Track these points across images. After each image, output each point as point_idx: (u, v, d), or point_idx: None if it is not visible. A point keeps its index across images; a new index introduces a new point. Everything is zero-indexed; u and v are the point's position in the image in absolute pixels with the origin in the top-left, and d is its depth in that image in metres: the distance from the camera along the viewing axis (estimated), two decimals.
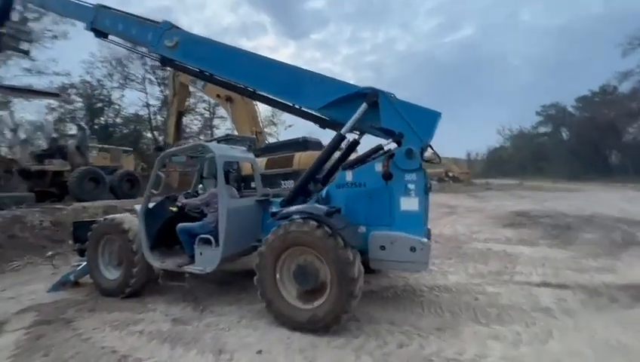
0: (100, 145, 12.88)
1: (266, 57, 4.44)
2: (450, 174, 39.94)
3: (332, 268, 3.03)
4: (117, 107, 27.64)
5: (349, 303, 2.97)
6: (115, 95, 27.72)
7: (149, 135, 30.22)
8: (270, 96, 4.49)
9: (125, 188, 11.54)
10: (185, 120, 32.65)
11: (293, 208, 3.37)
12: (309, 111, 4.28)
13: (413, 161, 3.41)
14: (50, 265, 6.10)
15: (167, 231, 4.11)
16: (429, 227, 4.24)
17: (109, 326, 3.47)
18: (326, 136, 4.32)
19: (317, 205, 3.47)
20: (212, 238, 3.64)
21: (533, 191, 21.54)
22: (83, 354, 2.90)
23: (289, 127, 46.75)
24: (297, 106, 4.31)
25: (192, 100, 33.90)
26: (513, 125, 64.39)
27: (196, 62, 4.88)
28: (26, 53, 9.88)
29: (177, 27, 5.11)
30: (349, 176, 3.74)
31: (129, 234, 4.12)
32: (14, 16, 8.82)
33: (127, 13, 5.58)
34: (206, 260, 3.67)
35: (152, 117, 29.65)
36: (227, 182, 4.02)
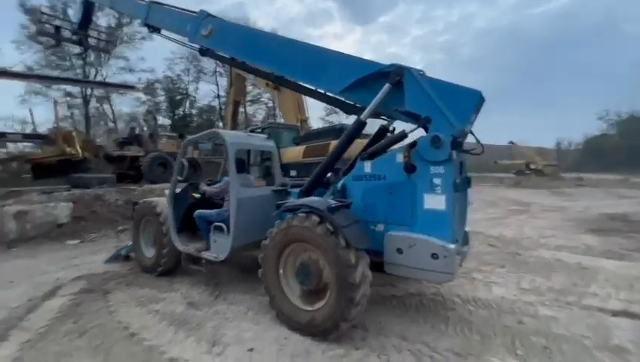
0: (169, 133, 14.36)
1: (288, 38, 4.20)
2: (533, 166, 35.07)
3: (332, 269, 2.72)
4: (193, 99, 30.49)
5: (349, 311, 2.64)
6: (191, 88, 30.58)
7: (220, 124, 32.81)
8: (298, 82, 4.26)
9: (189, 173, 12.57)
10: (250, 109, 34.76)
11: (298, 201, 3.12)
12: (333, 95, 3.94)
13: (440, 150, 2.86)
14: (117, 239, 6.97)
15: (192, 216, 4.25)
16: (467, 229, 3.61)
17: (135, 301, 3.73)
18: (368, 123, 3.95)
19: (322, 199, 3.17)
20: (225, 227, 3.62)
21: None
22: (102, 326, 3.15)
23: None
24: (321, 90, 4.01)
25: (257, 90, 35.88)
26: (621, 108, 53.01)
27: (229, 50, 4.87)
28: (108, 52, 11.29)
29: (213, 16, 5.15)
30: (367, 167, 3.33)
31: (161, 217, 4.37)
32: (108, 22, 10.01)
33: (173, 7, 5.84)
34: (219, 248, 3.68)
35: (222, 107, 32.02)
36: (243, 170, 3.95)
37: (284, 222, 3.03)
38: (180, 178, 4.21)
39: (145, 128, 14.62)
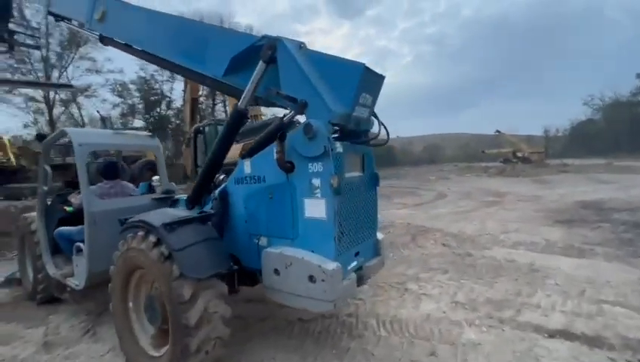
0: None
1: (171, 15, 3.52)
2: (519, 154, 34.83)
3: (167, 305, 2.07)
4: (168, 99, 29.44)
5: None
6: (166, 88, 29.50)
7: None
8: (188, 67, 3.57)
9: (147, 177, 11.89)
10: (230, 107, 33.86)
11: (140, 216, 2.44)
12: (222, 80, 3.27)
13: (315, 143, 2.24)
14: None
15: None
16: (379, 237, 2.99)
17: None
18: None
19: (169, 211, 2.51)
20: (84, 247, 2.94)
21: (623, 173, 17.19)
22: None
23: None
24: (210, 75, 3.33)
25: None
26: (606, 93, 52.90)
27: (123, 35, 4.15)
28: (37, 48, 10.42)
29: None
30: (247, 166, 2.70)
31: (36, 236, 3.67)
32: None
33: None
34: (80, 273, 3.01)
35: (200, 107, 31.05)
36: (113, 175, 3.28)
37: (124, 244, 2.36)
38: (45, 188, 3.51)
39: None
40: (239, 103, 2.73)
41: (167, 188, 3.53)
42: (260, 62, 2.51)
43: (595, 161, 29.06)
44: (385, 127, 2.83)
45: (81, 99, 23.54)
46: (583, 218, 6.98)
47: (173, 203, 3.37)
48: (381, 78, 2.56)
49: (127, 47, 4.28)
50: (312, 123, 2.21)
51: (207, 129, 9.74)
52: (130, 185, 3.59)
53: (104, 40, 4.54)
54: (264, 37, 2.59)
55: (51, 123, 21.73)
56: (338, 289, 2.19)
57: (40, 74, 21.37)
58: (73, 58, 22.99)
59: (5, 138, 10.23)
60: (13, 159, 9.57)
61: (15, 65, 19.28)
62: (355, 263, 2.58)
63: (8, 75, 18.80)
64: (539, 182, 15.80)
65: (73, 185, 11.39)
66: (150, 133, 3.76)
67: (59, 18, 5.50)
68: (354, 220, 2.53)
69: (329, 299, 2.15)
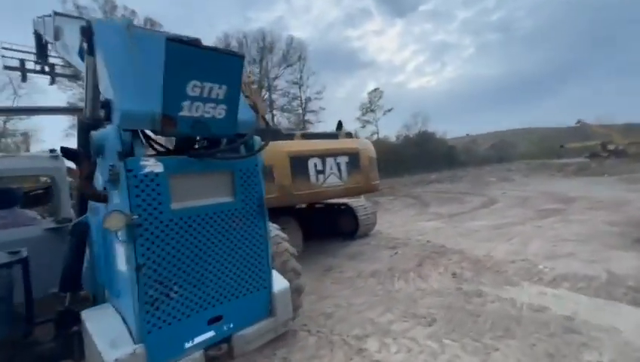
0: None
1: None
2: (611, 147, 28.95)
3: None
4: None
5: None
6: None
7: None
8: None
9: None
10: (277, 118, 34.75)
11: None
12: None
13: (104, 158, 1.55)
14: None
15: None
16: (278, 288, 2.11)
17: None
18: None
19: None
20: None
21: None
22: None
23: (388, 111, 43.93)
24: None
25: (286, 98, 35.89)
26: None
27: None
28: (77, 78, 11.48)
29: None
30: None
31: None
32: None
33: None
34: None
35: None
36: (10, 204, 2.94)
37: None
38: None
39: None
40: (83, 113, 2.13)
41: (65, 217, 3.10)
42: (86, 56, 1.87)
43: None
44: (269, 126, 1.96)
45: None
46: None
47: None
48: (234, 57, 1.71)
49: None
50: (92, 135, 1.49)
51: None
52: (32, 213, 3.25)
53: None
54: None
55: None
56: None
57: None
58: None
59: None
60: None
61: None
62: (210, 334, 1.74)
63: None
64: (629, 181, 12.43)
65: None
66: (54, 154, 3.38)
67: None
68: (206, 271, 1.71)
69: None
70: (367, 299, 3.74)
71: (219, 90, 1.68)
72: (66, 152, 2.03)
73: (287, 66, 34.61)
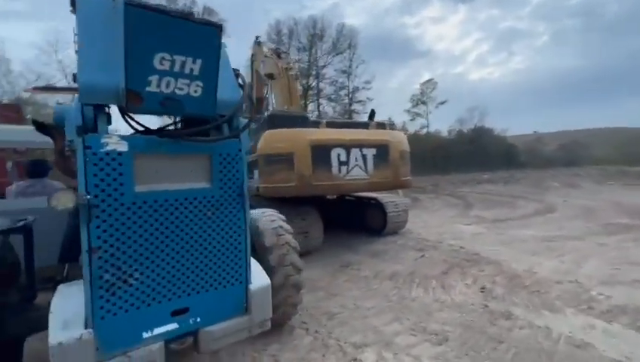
0: None
1: None
2: None
3: None
4: None
5: None
6: None
7: None
8: None
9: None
10: (324, 107, 34.56)
11: None
12: None
13: (67, 134, 1.52)
14: None
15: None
16: (257, 286, 1.97)
17: None
18: None
19: None
20: None
21: None
22: None
23: (441, 103, 41.40)
24: None
25: (333, 87, 35.49)
26: None
27: None
28: None
29: None
30: None
31: None
32: None
33: None
34: None
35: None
36: (40, 175, 3.14)
37: None
38: None
39: None
40: None
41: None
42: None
43: None
44: (254, 104, 1.81)
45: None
46: None
47: None
48: (209, 28, 1.53)
49: None
50: (54, 107, 1.43)
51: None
52: (59, 185, 3.46)
53: None
54: None
55: None
56: None
57: None
58: None
59: None
60: None
61: None
62: (172, 326, 1.65)
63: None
64: None
65: None
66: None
67: None
68: (172, 260, 1.62)
69: None
70: (378, 304, 3.46)
71: (193, 65, 1.53)
72: (39, 126, 2.04)
73: (337, 54, 34.00)
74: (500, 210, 9.57)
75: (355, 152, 4.70)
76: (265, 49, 9.71)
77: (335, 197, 7.49)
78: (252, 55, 10.82)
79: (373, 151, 4.85)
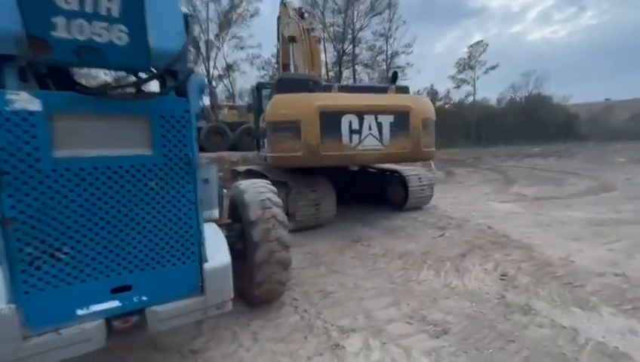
0: (231, 104, 15.09)
1: None
2: None
3: None
4: None
5: None
6: None
7: None
8: None
9: (246, 142, 13.02)
10: (359, 74, 32.88)
11: None
12: None
13: None
14: None
15: None
16: (212, 266, 1.79)
17: None
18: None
19: None
20: None
21: None
22: None
23: (491, 68, 37.46)
24: None
25: (370, 53, 33.45)
26: None
27: None
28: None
29: None
30: None
31: None
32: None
33: None
34: None
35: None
36: None
37: None
38: None
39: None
40: None
41: None
42: None
43: None
44: (200, 53, 1.56)
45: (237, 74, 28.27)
46: None
47: None
48: None
49: None
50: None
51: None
52: None
53: None
54: None
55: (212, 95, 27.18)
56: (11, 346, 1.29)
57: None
58: (225, 38, 27.64)
59: None
60: None
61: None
62: (113, 304, 1.54)
63: None
64: None
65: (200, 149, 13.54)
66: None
67: None
68: (109, 233, 1.47)
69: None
70: (379, 285, 3.20)
71: (109, 4, 1.26)
72: None
73: (375, 15, 31.57)
74: (544, 188, 8.55)
75: (368, 119, 4.25)
76: (290, 10, 9.12)
77: (356, 168, 7.12)
78: (278, 18, 10.28)
79: (390, 118, 4.35)
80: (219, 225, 3.38)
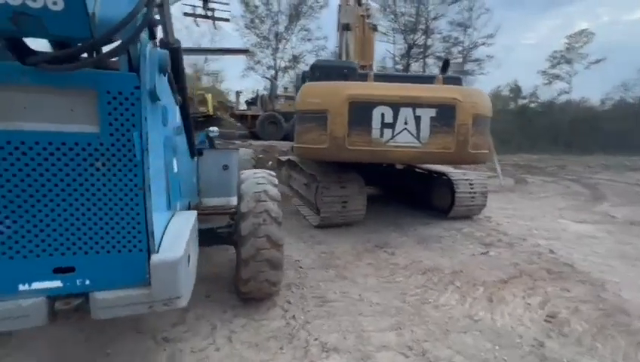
0: (288, 94, 15.15)
1: None
2: None
3: None
4: None
5: None
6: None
7: None
8: None
9: (267, 130, 13.09)
10: (432, 66, 30.60)
11: None
12: None
13: None
14: None
15: None
16: (161, 258, 1.67)
17: None
18: None
19: None
20: None
21: None
22: None
23: (594, 63, 31.79)
24: None
25: (445, 44, 30.91)
26: None
27: None
28: (227, 20, 12.85)
29: None
30: None
31: None
32: None
33: None
34: None
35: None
36: None
37: None
38: None
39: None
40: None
41: None
42: None
43: None
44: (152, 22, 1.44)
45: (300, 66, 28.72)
46: None
47: None
48: None
49: None
50: None
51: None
52: None
53: None
54: None
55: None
56: None
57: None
58: (294, 30, 28.26)
59: (208, 95, 14.12)
60: (212, 110, 13.11)
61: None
62: (55, 284, 1.52)
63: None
64: None
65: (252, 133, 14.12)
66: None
67: None
68: (51, 212, 1.47)
69: None
70: (387, 302, 2.79)
71: None
72: None
73: (453, 3, 28.89)
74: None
75: (405, 112, 3.74)
76: None
77: (401, 166, 6.55)
78: (338, 5, 9.98)
79: (431, 112, 3.78)
80: (228, 214, 3.36)
